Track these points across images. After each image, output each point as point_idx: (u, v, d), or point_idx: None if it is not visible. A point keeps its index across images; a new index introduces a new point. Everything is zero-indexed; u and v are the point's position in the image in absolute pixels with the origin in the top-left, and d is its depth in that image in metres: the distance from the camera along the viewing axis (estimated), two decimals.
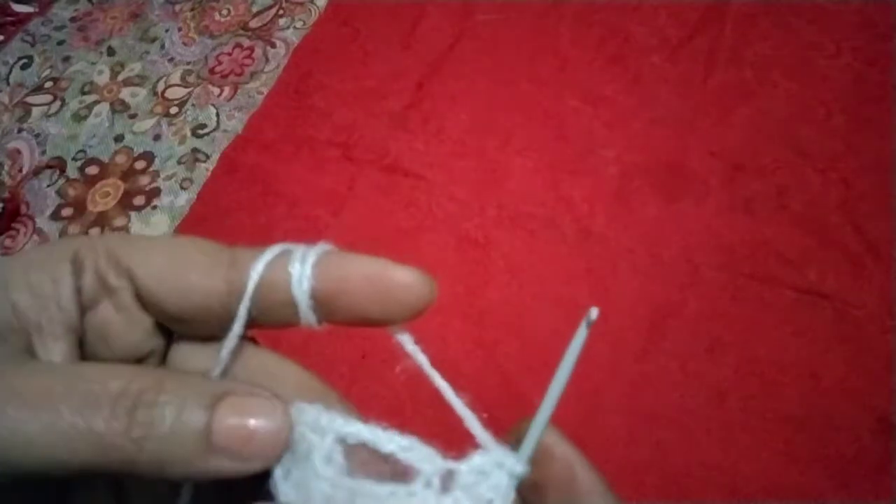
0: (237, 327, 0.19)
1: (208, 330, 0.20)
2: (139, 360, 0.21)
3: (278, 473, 0.18)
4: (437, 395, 0.19)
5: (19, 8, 1.19)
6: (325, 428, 0.18)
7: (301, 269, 0.19)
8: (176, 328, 0.21)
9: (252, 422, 0.17)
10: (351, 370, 0.73)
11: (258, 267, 0.19)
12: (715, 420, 0.67)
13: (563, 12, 0.99)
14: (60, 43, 1.14)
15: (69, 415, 0.16)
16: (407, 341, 0.20)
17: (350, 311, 0.19)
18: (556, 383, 0.19)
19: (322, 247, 0.20)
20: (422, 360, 0.20)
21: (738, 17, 0.94)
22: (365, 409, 0.20)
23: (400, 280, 0.19)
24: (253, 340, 0.22)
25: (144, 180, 0.96)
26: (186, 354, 0.21)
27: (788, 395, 0.67)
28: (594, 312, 0.19)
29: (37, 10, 1.19)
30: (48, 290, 0.19)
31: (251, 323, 0.20)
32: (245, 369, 0.21)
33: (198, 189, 0.93)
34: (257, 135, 0.96)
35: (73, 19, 1.17)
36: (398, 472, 0.18)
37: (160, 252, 0.20)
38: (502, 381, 0.71)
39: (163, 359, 0.21)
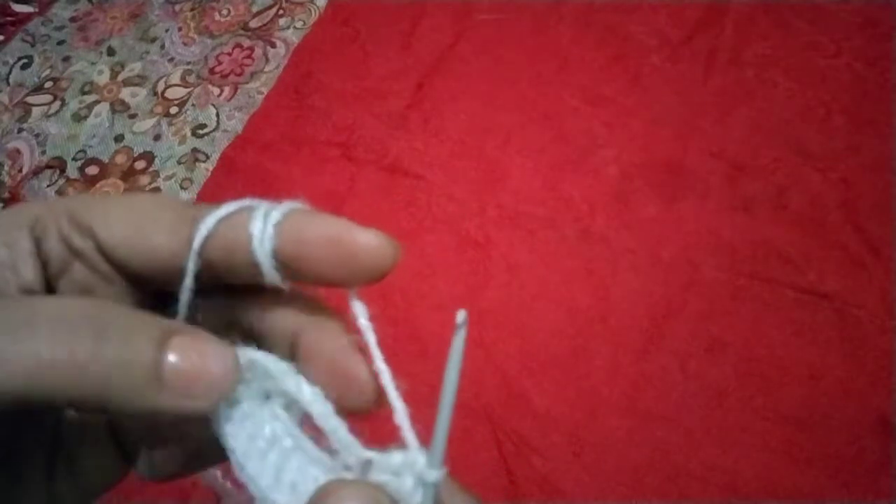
0: (188, 281, 0.19)
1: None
2: None
3: (223, 406, 0.19)
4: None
5: (19, 8, 1.19)
6: (294, 383, 0.19)
7: (263, 228, 0.18)
8: (148, 287, 0.20)
9: (202, 361, 0.17)
10: None
11: (208, 222, 0.19)
12: (715, 420, 0.67)
13: (563, 12, 0.99)
14: (60, 43, 1.14)
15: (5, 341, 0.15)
16: (361, 313, 0.20)
17: (312, 274, 0.19)
18: (446, 391, 0.18)
19: (288, 205, 0.19)
20: (370, 338, 0.20)
21: (738, 17, 0.94)
22: None
23: (363, 243, 0.19)
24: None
25: (144, 180, 0.96)
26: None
27: (788, 395, 0.67)
28: (461, 315, 0.19)
29: (37, 10, 1.19)
30: (2, 256, 0.19)
31: (218, 280, 0.20)
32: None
33: (198, 189, 0.93)
34: (257, 135, 0.96)
35: (73, 19, 1.17)
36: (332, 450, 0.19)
37: (120, 211, 0.20)
38: (502, 381, 0.71)
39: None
